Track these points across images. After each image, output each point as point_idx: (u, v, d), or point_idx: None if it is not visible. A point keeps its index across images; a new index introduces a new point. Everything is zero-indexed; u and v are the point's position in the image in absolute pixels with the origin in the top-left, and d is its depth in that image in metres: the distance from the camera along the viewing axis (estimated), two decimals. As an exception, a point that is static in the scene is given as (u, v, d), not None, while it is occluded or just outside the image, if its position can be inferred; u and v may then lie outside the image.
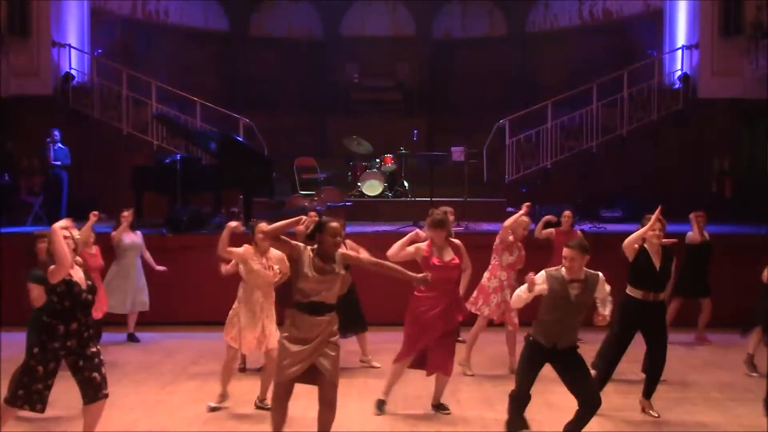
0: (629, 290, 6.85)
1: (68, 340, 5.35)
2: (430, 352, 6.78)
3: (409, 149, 14.84)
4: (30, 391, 5.33)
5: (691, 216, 9.75)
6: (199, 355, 9.18)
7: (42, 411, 5.44)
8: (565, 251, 5.77)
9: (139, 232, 10.01)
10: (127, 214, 9.78)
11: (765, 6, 14.32)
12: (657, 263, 6.75)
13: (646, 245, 6.76)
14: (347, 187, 14.63)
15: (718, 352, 9.36)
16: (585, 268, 5.81)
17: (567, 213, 9.92)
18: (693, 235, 9.61)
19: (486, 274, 8.44)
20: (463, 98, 18.47)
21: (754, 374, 8.27)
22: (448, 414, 6.86)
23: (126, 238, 9.73)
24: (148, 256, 9.90)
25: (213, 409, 7.00)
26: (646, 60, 16.17)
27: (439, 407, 7.01)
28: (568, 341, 5.82)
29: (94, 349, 5.47)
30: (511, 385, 7.81)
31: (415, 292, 6.78)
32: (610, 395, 7.48)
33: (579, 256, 5.75)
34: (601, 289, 5.85)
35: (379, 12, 19.23)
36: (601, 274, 5.90)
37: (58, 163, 13.08)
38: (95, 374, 5.41)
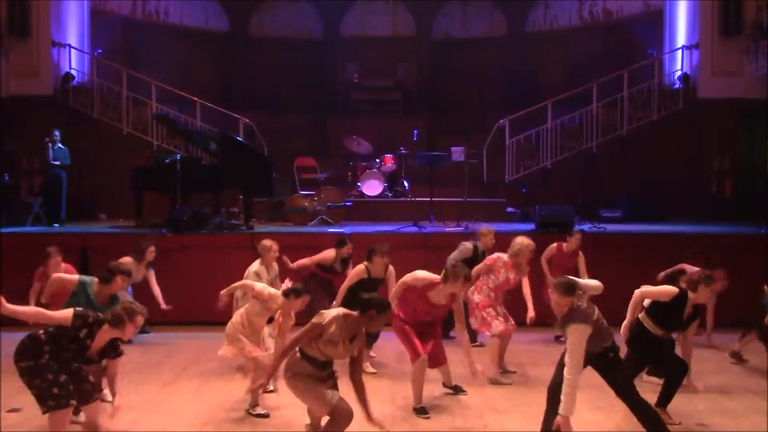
0: (648, 325, 6.61)
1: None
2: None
3: (409, 149, 14.85)
4: (61, 385, 5.42)
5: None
6: (199, 355, 9.17)
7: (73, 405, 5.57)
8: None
9: None
10: (153, 249, 9.56)
11: (765, 6, 14.32)
12: (688, 309, 6.63)
13: (690, 295, 6.55)
14: (347, 187, 14.64)
15: (718, 353, 9.35)
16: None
17: (577, 236, 9.64)
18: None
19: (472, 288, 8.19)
20: (463, 98, 18.48)
21: (732, 360, 8.74)
22: (465, 394, 7.19)
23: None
24: (157, 291, 9.49)
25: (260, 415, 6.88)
26: (646, 60, 16.18)
27: (456, 389, 7.33)
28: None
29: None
30: (511, 385, 7.89)
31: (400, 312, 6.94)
32: (610, 395, 7.47)
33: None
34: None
35: (379, 12, 19.25)
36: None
37: (58, 163, 13.07)
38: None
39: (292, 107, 18.05)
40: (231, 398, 7.34)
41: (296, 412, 6.84)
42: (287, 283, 7.15)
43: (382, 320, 5.51)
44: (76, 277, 7.04)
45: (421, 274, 6.90)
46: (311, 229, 12.59)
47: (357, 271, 8.22)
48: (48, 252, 8.65)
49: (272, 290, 6.90)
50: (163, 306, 9.34)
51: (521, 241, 8.01)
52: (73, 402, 5.54)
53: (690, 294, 6.58)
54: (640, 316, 6.70)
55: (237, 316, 7.05)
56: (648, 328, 6.60)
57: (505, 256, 8.12)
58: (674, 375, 6.76)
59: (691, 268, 8.60)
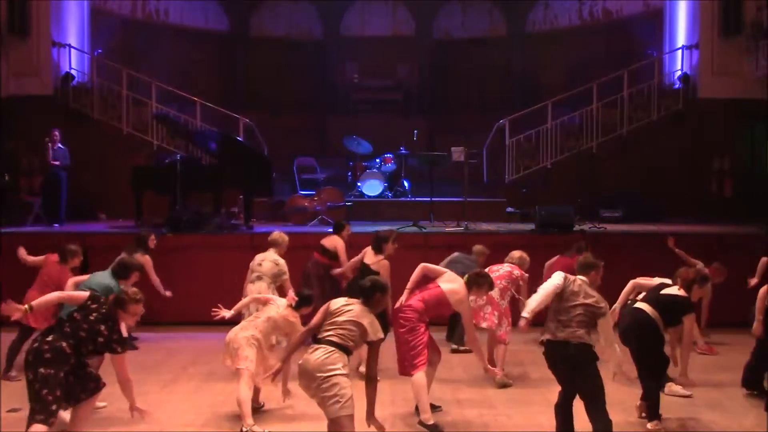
0: (656, 317, 6.72)
1: None
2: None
3: (409, 149, 14.85)
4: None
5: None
6: (199, 355, 9.18)
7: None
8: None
9: None
10: (153, 238, 9.70)
11: (765, 6, 14.32)
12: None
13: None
14: (347, 187, 14.64)
15: (718, 352, 9.35)
16: None
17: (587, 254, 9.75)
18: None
19: (497, 292, 8.04)
20: (463, 98, 18.49)
21: None
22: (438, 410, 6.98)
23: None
24: (156, 279, 9.42)
25: None
26: (646, 60, 16.18)
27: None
28: None
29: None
30: (512, 385, 7.89)
31: (406, 306, 6.76)
32: (609, 395, 7.48)
33: None
34: None
35: (379, 12, 19.25)
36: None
37: (58, 162, 13.07)
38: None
39: (292, 107, 18.05)
40: (231, 398, 7.32)
41: (297, 408, 6.86)
42: (291, 294, 7.20)
43: (385, 301, 5.66)
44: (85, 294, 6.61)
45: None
46: (311, 229, 12.60)
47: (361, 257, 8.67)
48: (73, 251, 8.44)
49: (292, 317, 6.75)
50: (164, 293, 9.34)
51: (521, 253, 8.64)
52: (53, 421, 5.37)
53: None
54: (647, 309, 6.76)
55: (256, 332, 6.76)
56: (656, 320, 6.70)
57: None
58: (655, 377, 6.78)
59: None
